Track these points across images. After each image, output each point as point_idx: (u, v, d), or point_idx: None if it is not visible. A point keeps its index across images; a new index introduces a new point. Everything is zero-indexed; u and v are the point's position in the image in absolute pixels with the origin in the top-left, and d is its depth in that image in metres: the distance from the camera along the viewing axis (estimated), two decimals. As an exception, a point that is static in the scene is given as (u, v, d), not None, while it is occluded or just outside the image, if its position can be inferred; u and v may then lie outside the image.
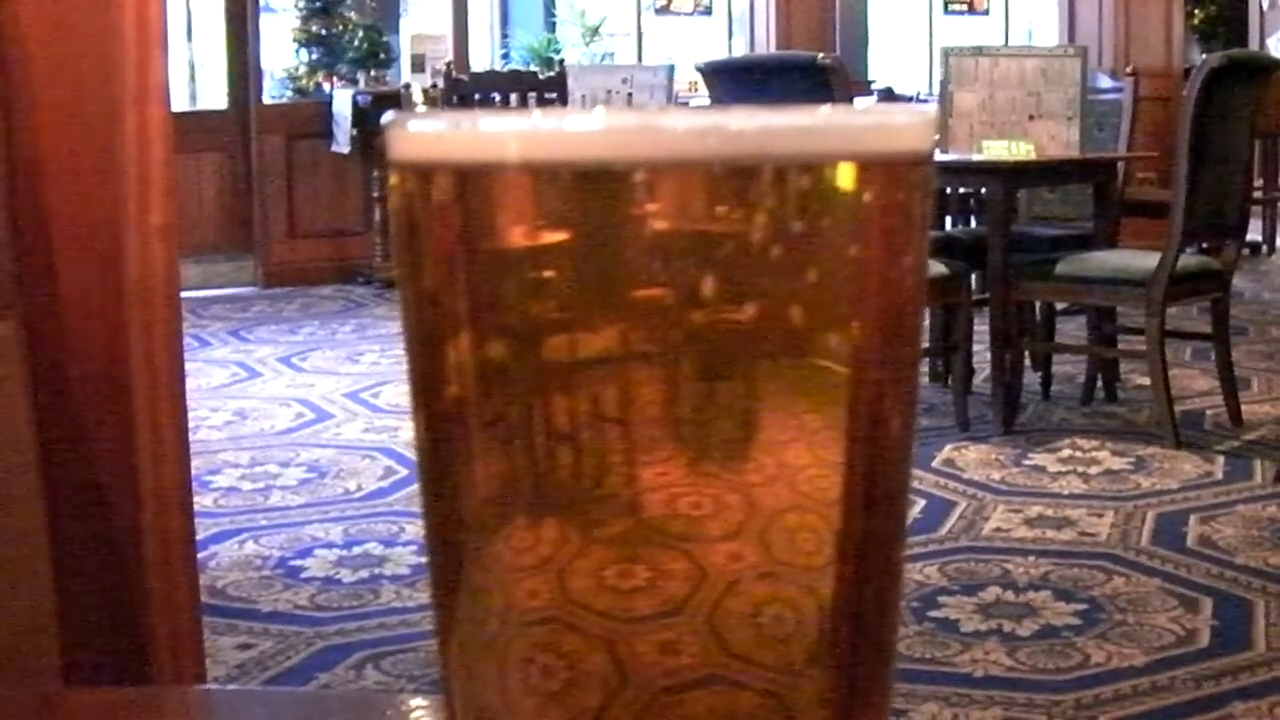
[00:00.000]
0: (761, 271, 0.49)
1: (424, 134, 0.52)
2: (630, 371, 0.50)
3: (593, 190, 0.49)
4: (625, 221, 0.48)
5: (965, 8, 14.83)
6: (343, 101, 10.45)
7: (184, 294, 2.08)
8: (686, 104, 10.27)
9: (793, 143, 0.49)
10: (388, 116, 0.52)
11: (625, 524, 0.50)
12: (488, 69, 11.48)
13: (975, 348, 6.35)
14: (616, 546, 0.51)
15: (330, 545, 4.76)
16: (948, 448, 5.75)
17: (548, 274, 0.50)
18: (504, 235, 0.50)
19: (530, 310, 0.50)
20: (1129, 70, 7.80)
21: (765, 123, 0.49)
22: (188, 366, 2.20)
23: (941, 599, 4.16)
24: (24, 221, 1.65)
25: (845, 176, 0.50)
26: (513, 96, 7.64)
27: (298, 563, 4.59)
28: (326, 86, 10.95)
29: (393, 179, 0.53)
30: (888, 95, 10.44)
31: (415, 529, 4.86)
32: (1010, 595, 4.18)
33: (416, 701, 0.97)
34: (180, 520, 1.94)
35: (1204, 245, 6.59)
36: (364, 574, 4.48)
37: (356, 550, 4.70)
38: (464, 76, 7.81)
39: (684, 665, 0.51)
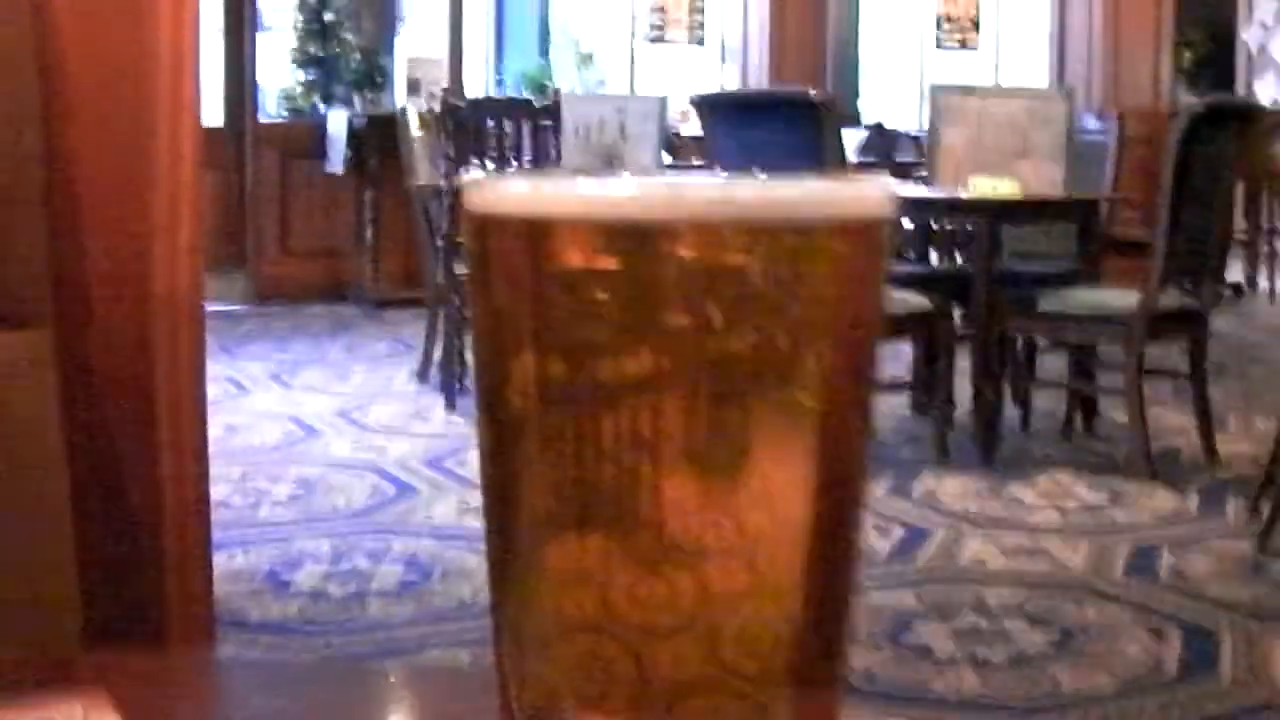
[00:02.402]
0: (759, 308, 0.60)
1: (497, 191, 0.63)
2: (657, 395, 0.60)
3: (630, 243, 0.60)
4: (655, 268, 0.59)
5: (958, 44, 14.93)
6: (338, 122, 10.52)
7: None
8: (678, 133, 10.35)
9: (786, 210, 0.61)
10: (469, 173, 0.64)
11: (651, 541, 0.60)
12: (483, 94, 11.56)
13: (957, 381, 6.44)
14: (645, 563, 0.60)
15: (319, 560, 4.82)
16: (928, 478, 5.83)
17: (593, 310, 0.60)
18: (558, 275, 0.61)
19: (578, 337, 0.61)
20: (1115, 112, 7.90)
21: (765, 193, 0.61)
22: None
23: (916, 624, 4.24)
24: (60, 237, 1.74)
25: (826, 236, 0.62)
26: (507, 123, 7.73)
27: (287, 576, 4.66)
28: (322, 107, 11.03)
29: (468, 225, 0.64)
30: (878, 131, 10.52)
31: (403, 545, 4.93)
32: (984, 622, 4.26)
33: (435, 673, 1.04)
34: (196, 508, 2.04)
35: (1189, 285, 6.68)
36: (352, 588, 4.54)
37: (345, 565, 4.76)
38: (460, 102, 7.88)
39: (688, 676, 0.60)
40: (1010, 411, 6.55)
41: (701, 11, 13.54)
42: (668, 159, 9.03)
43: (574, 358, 0.61)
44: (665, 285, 0.60)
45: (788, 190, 0.62)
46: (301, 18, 11.23)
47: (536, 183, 0.63)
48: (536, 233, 0.62)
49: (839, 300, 0.62)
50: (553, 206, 0.62)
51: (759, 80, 11.80)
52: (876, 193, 0.64)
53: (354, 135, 10.35)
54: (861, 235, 0.63)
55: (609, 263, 0.60)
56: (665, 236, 0.60)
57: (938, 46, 14.79)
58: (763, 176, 0.62)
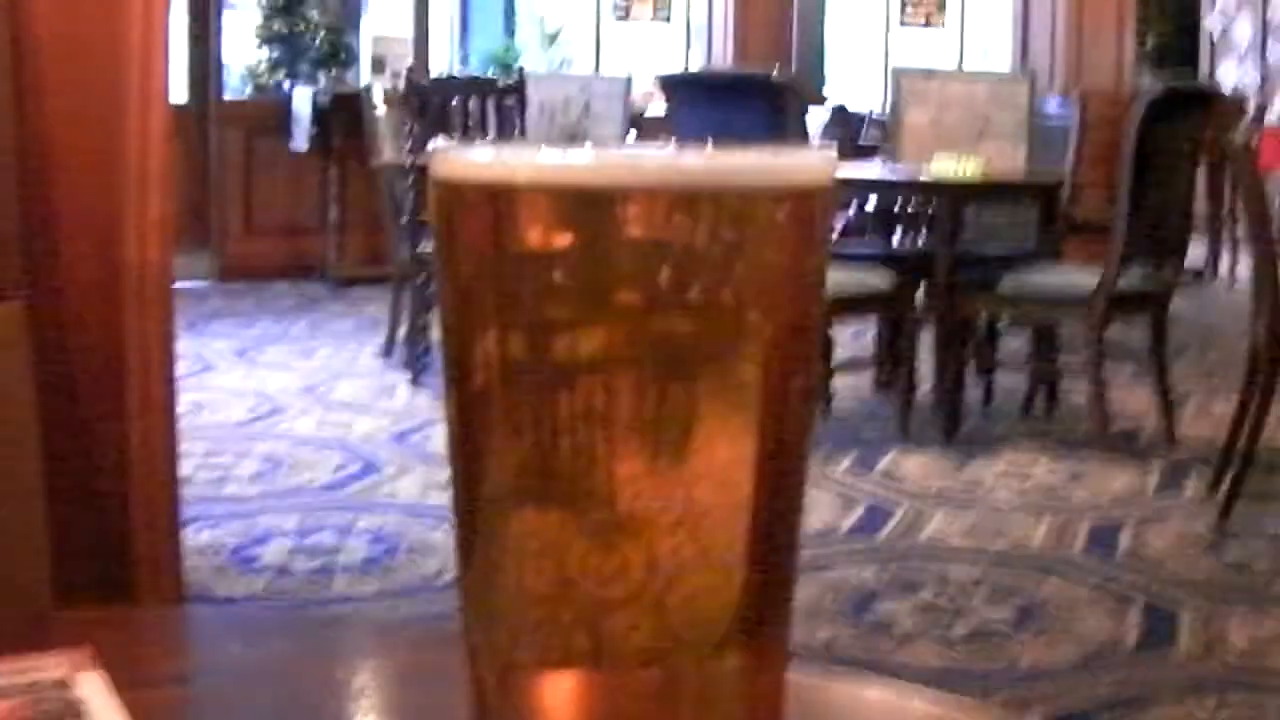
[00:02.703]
0: (707, 271, 0.63)
1: (460, 159, 0.66)
2: (611, 367, 0.63)
3: (585, 207, 0.63)
4: (608, 230, 0.62)
5: (922, 21, 14.95)
6: (303, 100, 10.50)
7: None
8: (643, 113, 10.35)
9: (730, 177, 0.64)
10: (434, 144, 0.66)
11: (604, 515, 0.63)
12: (447, 72, 11.55)
13: (919, 360, 6.48)
14: (598, 535, 0.63)
15: (285, 535, 4.84)
16: (890, 456, 5.87)
17: (550, 265, 0.63)
18: (518, 239, 0.64)
19: (537, 301, 0.64)
20: (1078, 94, 7.94)
21: (711, 161, 0.65)
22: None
23: (878, 600, 4.28)
24: (33, 212, 1.76)
25: (767, 201, 0.65)
26: (472, 102, 7.73)
27: (253, 551, 4.68)
28: (287, 84, 10.99)
29: (433, 193, 0.66)
30: (841, 112, 10.54)
31: (368, 521, 4.95)
32: (945, 599, 4.31)
33: (400, 628, 1.06)
34: (165, 478, 2.07)
35: (1149, 267, 6.72)
36: (317, 564, 4.56)
37: (310, 541, 4.78)
38: (425, 80, 7.88)
39: (640, 644, 0.63)
40: (972, 391, 6.60)
41: (668, -10, 13.55)
42: (633, 138, 9.03)
43: (533, 325, 0.64)
44: (620, 250, 0.63)
45: (735, 159, 0.65)
46: (266, -6, 11.19)
47: (499, 151, 0.66)
48: (498, 197, 0.64)
49: (784, 265, 0.65)
50: (514, 172, 0.64)
51: (725, 60, 11.81)
52: (818, 160, 0.67)
53: (319, 113, 10.32)
54: (804, 199, 0.66)
55: (566, 225, 0.63)
56: (620, 201, 0.62)
57: (901, 24, 14.80)
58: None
